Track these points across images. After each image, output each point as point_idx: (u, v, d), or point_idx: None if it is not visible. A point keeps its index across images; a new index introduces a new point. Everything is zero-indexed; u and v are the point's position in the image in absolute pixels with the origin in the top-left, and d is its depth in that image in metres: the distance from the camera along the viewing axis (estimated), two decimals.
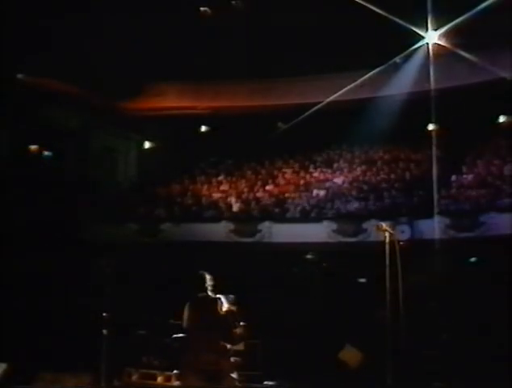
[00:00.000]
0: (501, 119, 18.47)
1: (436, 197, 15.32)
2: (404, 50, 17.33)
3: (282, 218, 17.05)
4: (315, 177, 19.10)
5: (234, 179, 20.01)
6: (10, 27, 15.80)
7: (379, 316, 9.35)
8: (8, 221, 15.41)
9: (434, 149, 16.55)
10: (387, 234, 8.75)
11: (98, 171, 20.70)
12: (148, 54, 19.39)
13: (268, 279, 14.77)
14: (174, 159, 22.12)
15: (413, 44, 17.04)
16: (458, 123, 17.17)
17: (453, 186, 16.51)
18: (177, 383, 10.30)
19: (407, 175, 17.68)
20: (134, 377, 11.87)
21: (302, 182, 18.84)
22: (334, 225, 15.96)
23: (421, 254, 13.54)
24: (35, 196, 16.86)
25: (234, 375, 6.71)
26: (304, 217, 16.88)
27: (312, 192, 17.99)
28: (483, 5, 15.30)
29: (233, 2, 18.41)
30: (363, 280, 15.65)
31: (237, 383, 6.75)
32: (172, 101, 21.26)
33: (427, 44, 16.75)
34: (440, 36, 16.61)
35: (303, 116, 18.57)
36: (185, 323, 6.79)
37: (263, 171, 20.20)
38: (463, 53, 16.76)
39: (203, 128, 22.24)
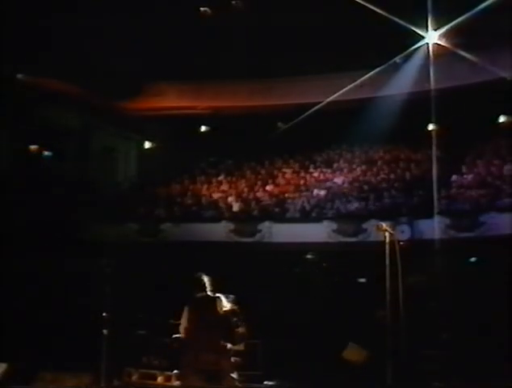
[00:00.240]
0: (501, 119, 18.45)
1: (436, 197, 15.31)
2: (404, 50, 17.32)
3: (282, 218, 17.04)
4: (315, 177, 19.09)
5: (234, 179, 20.00)
6: (10, 27, 15.79)
7: (379, 316, 9.36)
8: (8, 221, 15.40)
9: (434, 149, 16.53)
10: (387, 234, 8.76)
11: (98, 171, 20.70)
12: (148, 54, 19.40)
13: (268, 279, 14.77)
14: (174, 159, 22.12)
15: (413, 44, 17.03)
16: (458, 123, 17.16)
17: (453, 186, 16.50)
18: (177, 383, 10.31)
19: (407, 174, 17.68)
20: (134, 377, 11.89)
21: (302, 182, 18.84)
22: (334, 225, 15.95)
23: (421, 254, 13.54)
24: (35, 196, 16.86)
25: (234, 375, 6.71)
26: (304, 217, 16.88)
27: (312, 192, 17.98)
28: (483, 5, 15.29)
29: (233, 2, 18.39)
30: (362, 280, 15.66)
31: (237, 383, 6.76)
32: (172, 101, 21.25)
33: (427, 44, 16.74)
34: (440, 36, 16.59)
35: (303, 116, 18.57)
36: (184, 324, 6.79)
37: (263, 171, 20.20)
38: (463, 53, 16.75)
39: (203, 128, 22.24)
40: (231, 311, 6.73)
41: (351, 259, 14.90)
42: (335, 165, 19.60)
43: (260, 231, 16.57)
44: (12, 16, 15.62)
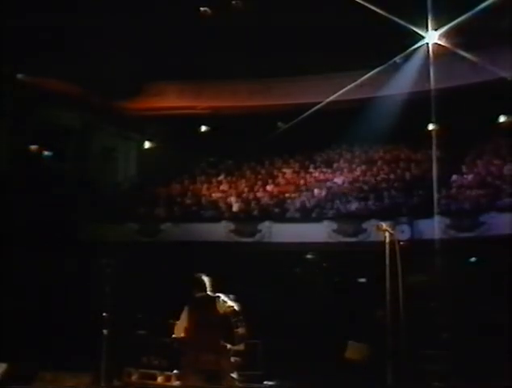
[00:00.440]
0: (501, 119, 18.45)
1: (436, 197, 15.30)
2: (404, 50, 17.31)
3: (282, 218, 17.03)
4: (315, 177, 19.09)
5: (234, 179, 20.00)
6: (10, 27, 15.79)
7: (379, 316, 9.36)
8: (8, 221, 15.40)
9: (434, 149, 16.53)
10: (387, 234, 8.76)
11: (98, 171, 20.71)
12: (149, 54, 19.41)
13: (268, 279, 14.77)
14: (174, 159, 22.12)
15: (413, 44, 17.02)
16: (458, 123, 17.17)
17: (453, 186, 16.50)
18: (177, 383, 10.32)
19: (407, 174, 17.67)
20: (134, 377, 11.89)
21: (302, 182, 18.84)
22: (334, 225, 15.94)
23: (421, 254, 13.54)
24: (35, 196, 16.86)
25: (234, 375, 6.71)
26: (304, 217, 16.87)
27: (312, 192, 17.98)
28: (483, 5, 15.28)
29: (233, 2, 18.39)
30: (363, 280, 15.66)
31: (237, 383, 6.76)
32: (172, 101, 21.27)
33: (427, 44, 16.73)
34: (440, 36, 16.59)
35: (303, 116, 18.56)
36: (183, 324, 6.78)
37: (263, 171, 20.20)
38: (463, 53, 16.75)
39: (203, 128, 22.24)
40: (231, 311, 6.72)
41: (351, 259, 14.90)
42: (335, 165, 19.60)
43: (260, 231, 16.56)
44: (12, 16, 15.61)
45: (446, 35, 16.54)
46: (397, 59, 17.72)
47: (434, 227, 14.77)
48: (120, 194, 20.46)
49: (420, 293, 12.78)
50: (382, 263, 8.62)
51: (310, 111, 18.45)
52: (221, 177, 20.16)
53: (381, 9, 15.37)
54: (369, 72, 17.94)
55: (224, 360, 6.64)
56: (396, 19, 15.55)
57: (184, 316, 6.80)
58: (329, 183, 18.35)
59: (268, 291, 14.37)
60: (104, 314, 9.14)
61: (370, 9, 15.13)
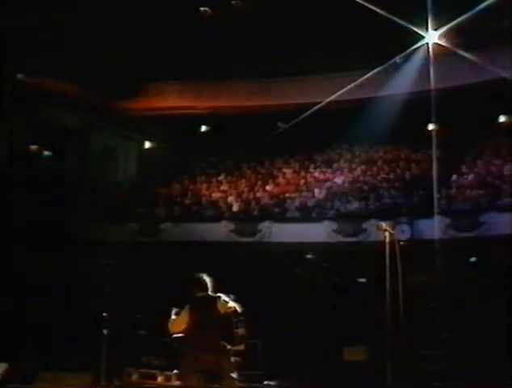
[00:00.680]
0: (501, 119, 18.45)
1: (436, 197, 15.30)
2: (404, 50, 17.31)
3: (282, 218, 17.03)
4: (315, 177, 19.09)
5: (234, 178, 20.00)
6: (10, 27, 15.79)
7: (377, 314, 9.36)
8: (8, 221, 15.40)
9: (434, 149, 16.53)
10: (387, 234, 8.75)
11: (98, 171, 20.70)
12: (149, 54, 19.41)
13: (268, 279, 14.77)
14: (174, 159, 22.11)
15: (413, 44, 17.02)
16: (458, 123, 17.17)
17: (453, 186, 16.50)
18: (177, 383, 10.31)
19: (407, 174, 17.67)
20: (134, 377, 11.90)
21: (302, 182, 18.83)
22: (334, 225, 15.94)
23: (421, 254, 13.54)
24: (35, 196, 16.86)
25: (234, 375, 6.71)
26: (304, 217, 16.87)
27: (312, 192, 17.98)
28: (483, 5, 15.28)
29: (233, 2, 18.39)
30: (362, 280, 15.66)
31: (237, 383, 6.76)
32: (172, 101, 21.27)
33: (427, 44, 16.73)
34: (440, 36, 16.59)
35: (303, 116, 18.56)
36: (183, 323, 6.78)
37: (263, 171, 20.20)
38: (463, 53, 16.75)
39: (203, 128, 22.23)
40: (231, 311, 6.72)
41: (351, 259, 14.90)
42: (335, 165, 19.60)
43: (260, 231, 16.56)
44: (12, 16, 15.61)
45: (446, 35, 16.54)
46: (397, 59, 17.71)
47: (434, 227, 14.77)
48: (120, 194, 20.46)
49: (420, 293, 12.77)
50: (382, 263, 8.60)
51: (310, 111, 18.45)
52: (221, 177, 20.16)
53: (381, 9, 15.37)
54: (369, 72, 17.94)
55: (224, 360, 6.64)
56: (396, 19, 15.54)
57: (184, 314, 6.80)
58: (329, 183, 18.34)
59: (268, 291, 14.37)
60: (104, 314, 9.14)
61: (370, 9, 15.13)
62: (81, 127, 20.66)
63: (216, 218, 17.35)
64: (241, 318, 6.78)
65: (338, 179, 18.44)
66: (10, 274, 13.95)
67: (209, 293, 6.83)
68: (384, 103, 17.57)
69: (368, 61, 17.99)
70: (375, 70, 17.79)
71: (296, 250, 15.90)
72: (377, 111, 17.46)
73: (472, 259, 14.66)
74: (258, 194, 18.41)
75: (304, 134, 18.92)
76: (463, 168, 17.33)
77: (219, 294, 6.82)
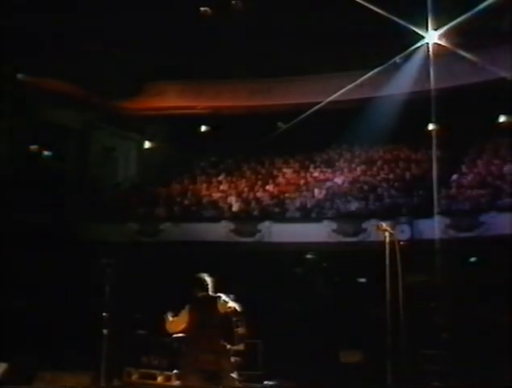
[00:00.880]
0: (501, 119, 18.44)
1: (436, 197, 15.30)
2: (404, 50, 17.31)
3: (282, 218, 17.03)
4: (315, 177, 19.09)
5: (234, 178, 20.00)
6: (11, 27, 15.79)
7: (377, 314, 9.36)
8: (8, 221, 15.40)
9: (434, 149, 16.53)
10: (387, 234, 8.75)
11: (98, 171, 20.71)
12: (149, 54, 19.41)
13: (268, 279, 14.77)
14: (174, 159, 22.12)
15: (413, 44, 17.02)
16: (458, 123, 17.17)
17: (453, 186, 16.50)
18: (177, 383, 10.31)
19: (407, 174, 17.67)
20: (134, 377, 11.90)
21: (302, 182, 18.84)
22: (334, 225, 15.94)
23: (421, 254, 13.53)
24: (35, 196, 16.86)
25: (234, 375, 6.71)
26: (304, 217, 16.87)
27: (312, 192, 17.98)
28: (483, 5, 15.28)
29: (233, 2, 18.38)
30: (362, 280, 15.66)
31: (237, 383, 6.76)
32: (172, 101, 21.27)
33: (427, 43, 16.73)
34: (440, 36, 16.58)
35: (303, 116, 18.56)
36: (183, 323, 6.78)
37: (263, 171, 20.20)
38: (463, 53, 16.75)
39: (203, 128, 22.23)
40: (231, 311, 6.72)
41: (351, 259, 14.90)
42: (335, 165, 19.60)
43: (260, 231, 16.56)
44: (12, 16, 15.61)
45: (446, 35, 16.53)
46: (397, 59, 17.71)
47: (434, 227, 14.77)
48: (120, 194, 20.46)
49: (420, 293, 12.77)
50: (382, 263, 8.61)
51: (310, 111, 18.45)
52: (221, 177, 20.16)
53: (381, 9, 15.36)
54: (369, 72, 17.94)
55: (224, 360, 6.64)
56: (396, 19, 15.54)
57: (184, 314, 6.81)
58: (329, 183, 18.35)
59: (268, 291, 14.36)
60: (104, 314, 9.14)
61: (370, 9, 15.13)
62: (81, 127, 20.66)
63: (216, 218, 17.35)
64: (241, 317, 6.78)
65: (338, 179, 18.44)
66: (10, 274, 13.95)
67: (209, 292, 6.83)
68: (383, 103, 17.57)
69: (368, 61, 17.99)
70: (375, 70, 17.79)
71: (296, 250, 15.90)
72: (377, 111, 17.46)
73: (472, 259, 14.65)
74: (258, 194, 18.42)
75: (304, 134, 18.93)
76: (463, 168, 17.34)
77: (219, 294, 6.82)
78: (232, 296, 6.87)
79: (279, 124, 20.35)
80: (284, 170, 20.00)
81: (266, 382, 12.02)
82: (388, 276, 8.62)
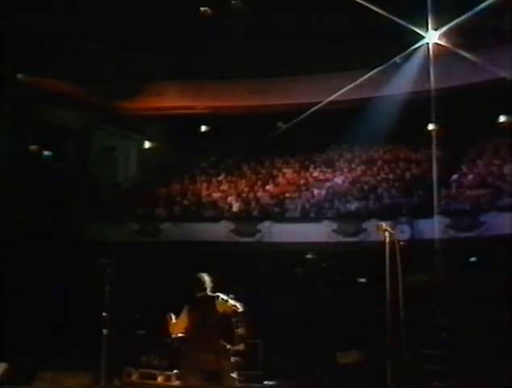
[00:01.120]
0: (501, 119, 18.44)
1: (436, 197, 15.30)
2: (404, 50, 17.31)
3: (282, 218, 17.04)
4: (315, 177, 19.09)
5: (234, 178, 20.00)
6: (11, 27, 15.79)
7: (377, 314, 9.35)
8: (8, 221, 15.40)
9: (434, 149, 16.53)
10: (387, 234, 8.75)
11: (98, 171, 20.71)
12: (149, 54, 19.41)
13: (268, 279, 14.77)
14: (174, 159, 22.12)
15: (413, 44, 17.02)
16: (458, 123, 17.17)
17: (453, 186, 16.50)
18: (177, 383, 10.32)
19: (407, 174, 17.67)
20: (134, 377, 11.89)
21: (302, 182, 18.83)
22: (334, 225, 15.94)
23: (421, 254, 13.53)
24: (35, 196, 16.85)
25: (234, 375, 6.71)
26: (304, 217, 16.87)
27: (312, 192, 17.98)
28: (483, 5, 15.28)
29: (233, 2, 18.39)
30: (362, 280, 15.66)
31: (237, 383, 6.75)
32: (172, 101, 21.26)
33: (427, 43, 16.73)
34: (440, 36, 16.59)
35: (303, 116, 18.56)
36: (183, 324, 6.78)
37: (263, 171, 20.20)
38: (463, 53, 16.75)
39: (203, 128, 22.23)
40: (232, 311, 6.72)
41: (351, 259, 14.90)
42: (335, 165, 19.60)
43: (260, 231, 16.56)
44: (12, 16, 15.61)
45: (446, 35, 16.53)
46: (397, 59, 17.71)
47: (434, 227, 14.77)
48: (120, 194, 20.46)
49: (420, 293, 12.77)
50: (382, 263, 8.61)
51: (310, 111, 18.45)
52: (221, 177, 20.16)
53: (381, 9, 15.37)
54: (369, 72, 17.94)
55: (224, 360, 6.64)
56: (396, 19, 15.54)
57: (183, 315, 6.81)
58: (329, 183, 18.35)
59: (268, 291, 14.36)
60: (104, 314, 9.13)
61: (370, 9, 15.13)
62: (81, 127, 20.66)
63: (216, 218, 17.35)
64: (241, 317, 6.77)
65: (338, 179, 18.44)
66: (10, 274, 13.95)
67: (208, 292, 6.83)
68: (383, 103, 17.57)
69: (368, 61, 18.00)
70: (375, 70, 17.80)
71: (296, 250, 15.89)
72: (377, 111, 17.46)
73: (472, 259, 14.65)
74: (258, 194, 18.42)
75: (304, 134, 18.93)
76: (463, 168, 17.34)
77: (218, 294, 6.82)
78: (232, 296, 6.87)
79: (279, 124, 20.35)
80: (284, 170, 19.99)
81: (266, 382, 12.02)
82: (388, 276, 8.61)
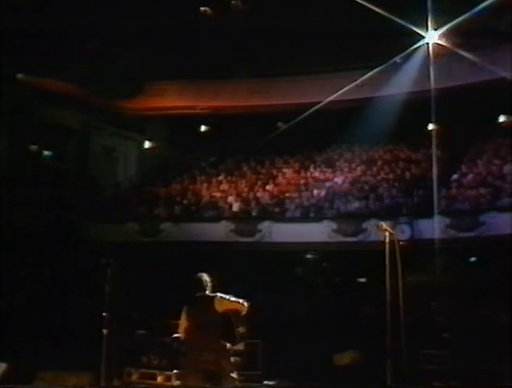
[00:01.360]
0: (501, 118, 18.45)
1: (436, 197, 15.30)
2: (404, 50, 17.31)
3: (282, 218, 17.03)
4: (315, 177, 19.09)
5: (234, 178, 20.00)
6: (11, 27, 15.79)
7: (377, 313, 9.36)
8: (8, 221, 15.40)
9: (434, 148, 16.53)
10: (387, 234, 8.75)
11: (98, 171, 20.71)
12: (149, 54, 19.41)
13: (268, 279, 14.77)
14: (174, 159, 22.11)
15: (413, 44, 17.03)
16: (458, 123, 17.17)
17: (453, 186, 16.50)
18: (177, 383, 10.31)
19: (407, 174, 17.68)
20: (134, 377, 11.89)
21: (302, 181, 18.83)
22: (334, 225, 15.94)
23: (421, 254, 13.54)
24: (36, 196, 16.85)
25: (234, 375, 6.71)
26: (304, 217, 16.87)
27: (312, 192, 17.98)
28: (483, 5, 15.28)
29: (233, 2, 18.39)
30: (363, 280, 15.66)
31: (237, 383, 6.76)
32: (172, 101, 21.26)
33: (427, 43, 16.73)
34: (440, 36, 16.59)
35: (303, 116, 18.56)
36: (184, 324, 6.78)
37: (263, 171, 20.20)
38: (463, 53, 16.75)
39: (203, 128, 22.23)
40: (232, 310, 6.72)
41: (351, 259, 14.90)
42: (335, 165, 19.60)
43: (260, 231, 16.56)
44: (12, 16, 15.61)
45: (446, 35, 16.53)
46: (397, 59, 17.71)
47: (434, 227, 14.77)
48: (120, 194, 20.46)
49: (420, 293, 12.77)
50: (382, 263, 8.61)
51: (310, 111, 18.45)
52: (221, 177, 20.16)
53: (381, 9, 15.37)
54: (369, 72, 17.94)
55: (224, 359, 6.64)
56: (396, 19, 15.54)
57: (183, 315, 6.81)
58: (329, 183, 18.35)
59: (268, 291, 14.36)
60: (104, 314, 9.14)
61: (370, 9, 15.13)
62: (81, 127, 20.67)
63: (216, 218, 17.35)
64: (241, 317, 6.77)
65: (338, 179, 18.44)
66: (10, 274, 13.95)
67: (207, 292, 6.82)
68: (383, 103, 17.57)
69: (368, 61, 18.00)
70: (375, 70, 17.80)
71: (296, 250, 15.90)
72: (377, 111, 17.46)
73: (472, 259, 14.65)
74: (258, 194, 18.42)
75: (304, 134, 18.93)
76: (463, 168, 17.34)
77: (217, 293, 6.81)
78: (231, 296, 6.87)
79: (279, 124, 20.35)
80: (284, 170, 19.99)
81: (266, 382, 12.02)
82: (388, 276, 8.62)
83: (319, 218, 16.50)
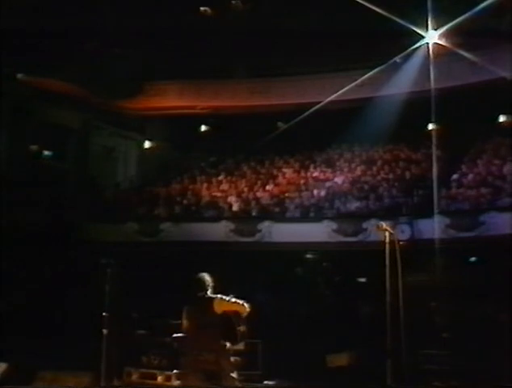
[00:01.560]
0: (501, 118, 18.45)
1: (436, 197, 15.30)
2: (404, 50, 17.32)
3: (282, 218, 17.03)
4: (315, 177, 19.09)
5: (234, 178, 20.00)
6: (11, 27, 15.79)
7: (376, 313, 9.36)
8: (8, 221, 15.40)
9: (434, 148, 16.53)
10: (387, 234, 8.75)
11: (98, 171, 20.71)
12: (149, 54, 19.41)
13: (268, 279, 14.77)
14: (174, 159, 22.11)
15: (413, 44, 17.03)
16: (458, 122, 17.17)
17: (453, 186, 16.50)
18: (177, 383, 10.31)
19: (407, 174, 17.68)
20: (134, 377, 11.88)
21: (302, 181, 18.84)
22: (334, 225, 15.94)
23: (421, 254, 13.53)
24: (35, 196, 16.85)
25: (234, 375, 6.71)
26: (304, 217, 16.88)
27: (312, 192, 17.98)
28: (483, 5, 15.28)
29: (233, 2, 18.39)
30: (363, 280, 15.66)
31: (237, 383, 6.75)
32: (172, 101, 21.27)
33: (427, 43, 16.73)
34: (440, 36, 16.59)
35: (303, 116, 18.56)
36: (185, 324, 6.79)
37: (263, 171, 20.20)
38: (463, 53, 16.75)
39: (203, 128, 22.24)
40: (232, 311, 6.72)
41: (351, 259, 14.90)
42: (335, 164, 19.60)
43: (260, 231, 16.56)
44: (13, 16, 15.61)
45: (446, 35, 16.53)
46: (397, 59, 17.71)
47: (434, 227, 14.77)
48: (120, 194, 20.46)
49: (420, 293, 12.77)
50: (382, 263, 8.61)
51: (310, 111, 18.45)
52: (221, 177, 20.16)
53: (381, 9, 15.37)
54: (369, 72, 17.95)
55: (224, 359, 6.64)
56: (396, 19, 15.54)
57: (183, 315, 6.81)
58: (329, 183, 18.35)
59: (268, 291, 14.36)
60: (104, 314, 9.13)
61: (370, 9, 15.13)
62: (81, 127, 20.67)
63: (216, 218, 17.35)
64: (241, 317, 6.77)
65: (338, 179, 18.44)
66: (10, 274, 13.95)
67: (208, 292, 6.82)
68: (383, 103, 17.57)
69: (368, 61, 18.00)
70: (375, 70, 17.80)
71: (296, 250, 15.90)
72: (377, 111, 17.46)
73: (472, 259, 14.65)
74: (258, 194, 18.42)
75: (304, 134, 18.93)
76: (463, 168, 17.34)
77: (218, 294, 6.81)
78: (232, 296, 6.86)
79: (279, 124, 20.36)
80: (284, 170, 19.99)
81: (266, 382, 12.02)
82: (388, 276, 8.62)
83: (319, 218, 16.50)
